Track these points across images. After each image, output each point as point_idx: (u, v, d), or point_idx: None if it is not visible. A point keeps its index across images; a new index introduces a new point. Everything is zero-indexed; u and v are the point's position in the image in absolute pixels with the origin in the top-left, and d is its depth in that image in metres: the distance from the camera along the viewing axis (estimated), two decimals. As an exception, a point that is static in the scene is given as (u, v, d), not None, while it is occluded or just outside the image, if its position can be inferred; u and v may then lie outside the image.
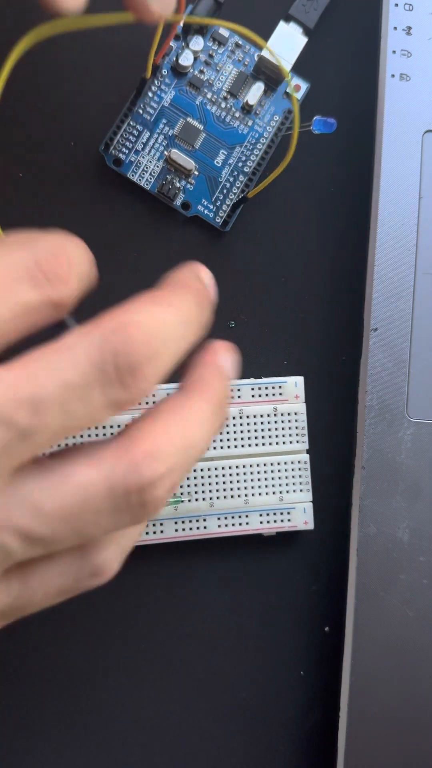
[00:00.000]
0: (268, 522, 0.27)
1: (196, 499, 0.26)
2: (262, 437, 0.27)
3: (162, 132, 0.27)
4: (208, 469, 0.26)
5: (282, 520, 0.27)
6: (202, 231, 0.28)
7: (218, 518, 0.26)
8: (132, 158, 0.27)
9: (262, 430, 0.27)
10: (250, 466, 0.26)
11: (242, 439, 0.26)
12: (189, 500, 0.26)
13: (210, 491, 0.26)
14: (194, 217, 0.28)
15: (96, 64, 0.28)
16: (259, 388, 0.27)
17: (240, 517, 0.26)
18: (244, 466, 0.26)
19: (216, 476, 0.26)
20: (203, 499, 0.26)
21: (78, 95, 0.28)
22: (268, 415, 0.27)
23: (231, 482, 0.26)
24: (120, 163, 0.27)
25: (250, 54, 0.28)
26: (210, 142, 0.28)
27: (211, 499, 0.26)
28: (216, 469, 0.26)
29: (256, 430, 0.27)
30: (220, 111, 0.28)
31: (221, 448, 0.26)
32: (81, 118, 0.28)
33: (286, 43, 0.28)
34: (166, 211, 0.28)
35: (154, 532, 0.26)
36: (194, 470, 0.26)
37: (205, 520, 0.26)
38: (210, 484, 0.26)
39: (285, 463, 0.27)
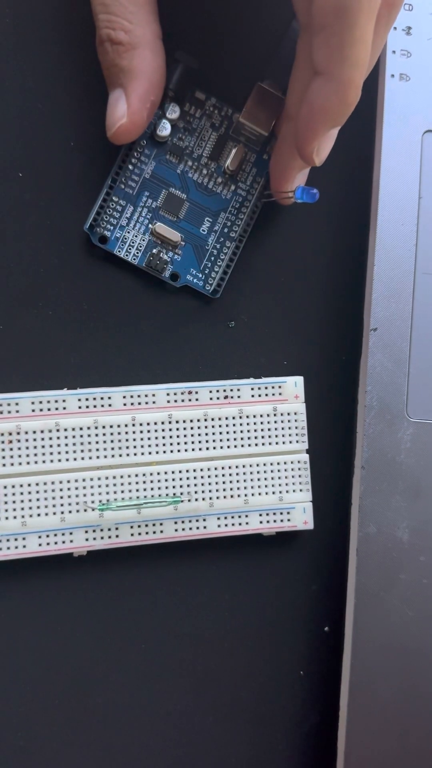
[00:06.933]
0: (267, 522, 0.27)
1: (196, 499, 0.26)
2: (262, 437, 0.27)
3: (145, 205, 0.27)
4: (208, 469, 0.26)
5: (282, 520, 0.27)
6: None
7: (218, 518, 0.26)
8: (117, 234, 0.27)
9: (262, 430, 0.27)
10: (250, 466, 0.26)
11: (242, 439, 0.26)
12: (189, 500, 0.26)
13: (210, 491, 0.26)
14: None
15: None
16: (259, 388, 0.27)
17: (240, 517, 0.26)
18: (243, 466, 0.26)
19: (216, 476, 0.26)
20: (203, 499, 0.26)
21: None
22: (268, 415, 0.27)
23: (231, 482, 0.26)
24: (106, 240, 0.27)
25: (229, 116, 0.27)
26: (194, 210, 0.27)
27: (211, 499, 0.26)
28: (216, 469, 0.26)
29: (255, 430, 0.27)
30: (202, 178, 0.27)
31: (221, 448, 0.26)
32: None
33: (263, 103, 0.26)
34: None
35: (154, 532, 0.26)
36: (194, 470, 0.26)
37: (205, 520, 0.26)
38: (210, 484, 0.26)
39: (285, 463, 0.27)
